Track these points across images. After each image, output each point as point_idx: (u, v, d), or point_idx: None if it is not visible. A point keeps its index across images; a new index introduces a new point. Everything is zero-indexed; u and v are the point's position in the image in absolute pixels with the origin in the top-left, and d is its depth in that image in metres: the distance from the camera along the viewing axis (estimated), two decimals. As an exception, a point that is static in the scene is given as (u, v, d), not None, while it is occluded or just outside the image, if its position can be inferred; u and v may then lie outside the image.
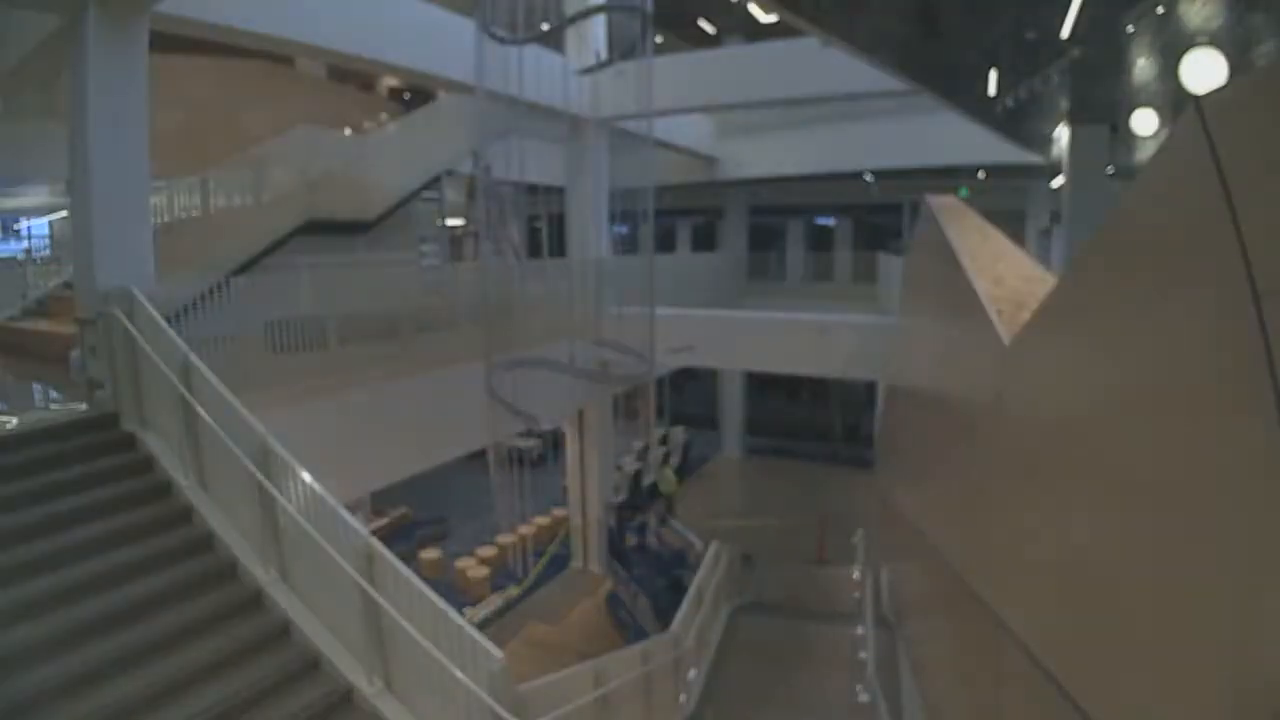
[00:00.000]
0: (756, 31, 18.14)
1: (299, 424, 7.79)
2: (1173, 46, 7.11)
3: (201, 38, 9.36)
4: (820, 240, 27.89)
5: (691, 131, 20.13)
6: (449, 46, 9.68)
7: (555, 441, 17.06)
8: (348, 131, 18.01)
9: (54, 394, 8.65)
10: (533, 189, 9.26)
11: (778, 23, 14.41)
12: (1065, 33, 6.98)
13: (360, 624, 5.49)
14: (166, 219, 12.61)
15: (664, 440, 20.78)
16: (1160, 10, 6.51)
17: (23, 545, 5.74)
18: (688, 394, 27.32)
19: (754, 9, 16.27)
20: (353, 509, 5.95)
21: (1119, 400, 2.45)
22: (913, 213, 19.42)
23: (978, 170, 19.95)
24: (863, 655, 10.15)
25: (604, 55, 8.98)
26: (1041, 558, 3.15)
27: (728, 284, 23.53)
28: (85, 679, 5.04)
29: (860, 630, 11.01)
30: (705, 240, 28.35)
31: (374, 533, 5.78)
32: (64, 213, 15.27)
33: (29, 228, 16.52)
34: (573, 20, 8.83)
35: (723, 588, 12.77)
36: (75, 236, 7.73)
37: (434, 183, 17.42)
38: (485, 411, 8.76)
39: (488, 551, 16.20)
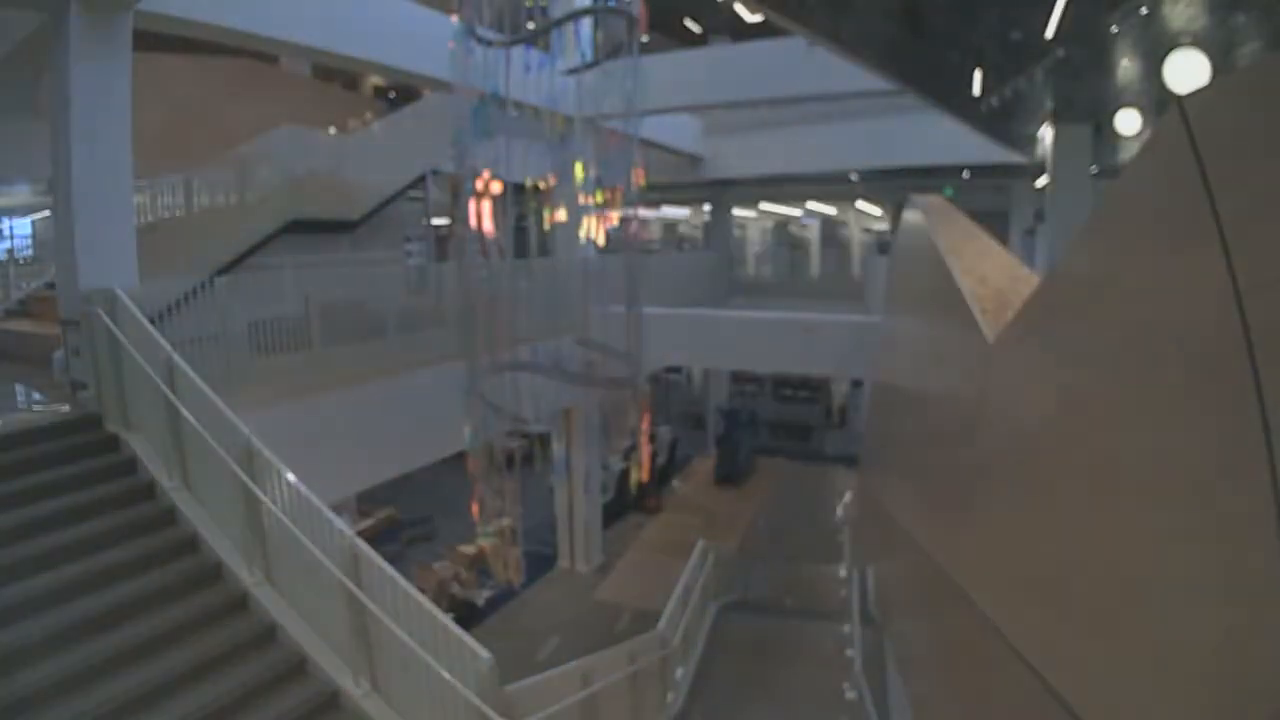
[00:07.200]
0: (743, 31, 18.21)
1: (283, 424, 7.76)
2: (1156, 47, 7.17)
3: (185, 36, 9.30)
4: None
5: (678, 130, 20.14)
6: (433, 45, 9.67)
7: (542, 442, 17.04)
8: (332, 130, 17.92)
9: (37, 395, 8.57)
10: (519, 188, 9.25)
11: (764, 22, 14.46)
12: (1049, 33, 7.02)
13: (346, 625, 5.48)
14: (149, 219, 12.51)
15: (651, 439, 20.80)
16: (1143, 11, 6.56)
17: (5, 548, 5.68)
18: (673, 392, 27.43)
19: (740, 9, 16.31)
20: (338, 510, 5.92)
21: (1103, 398, 2.47)
22: (897, 212, 19.51)
23: (962, 170, 20.05)
24: (849, 653, 10.18)
25: (590, 56, 8.97)
26: (1027, 554, 3.16)
27: (714, 283, 23.57)
28: (72, 682, 5.01)
29: (847, 628, 11.04)
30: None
31: (360, 533, 5.76)
32: (46, 212, 15.15)
33: (10, 227, 16.34)
34: (559, 23, 8.79)
35: (710, 586, 12.79)
36: (57, 236, 7.66)
37: (419, 182, 17.37)
38: (470, 412, 8.75)
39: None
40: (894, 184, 21.26)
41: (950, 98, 9.81)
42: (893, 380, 9.37)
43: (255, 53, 14.38)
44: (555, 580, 16.42)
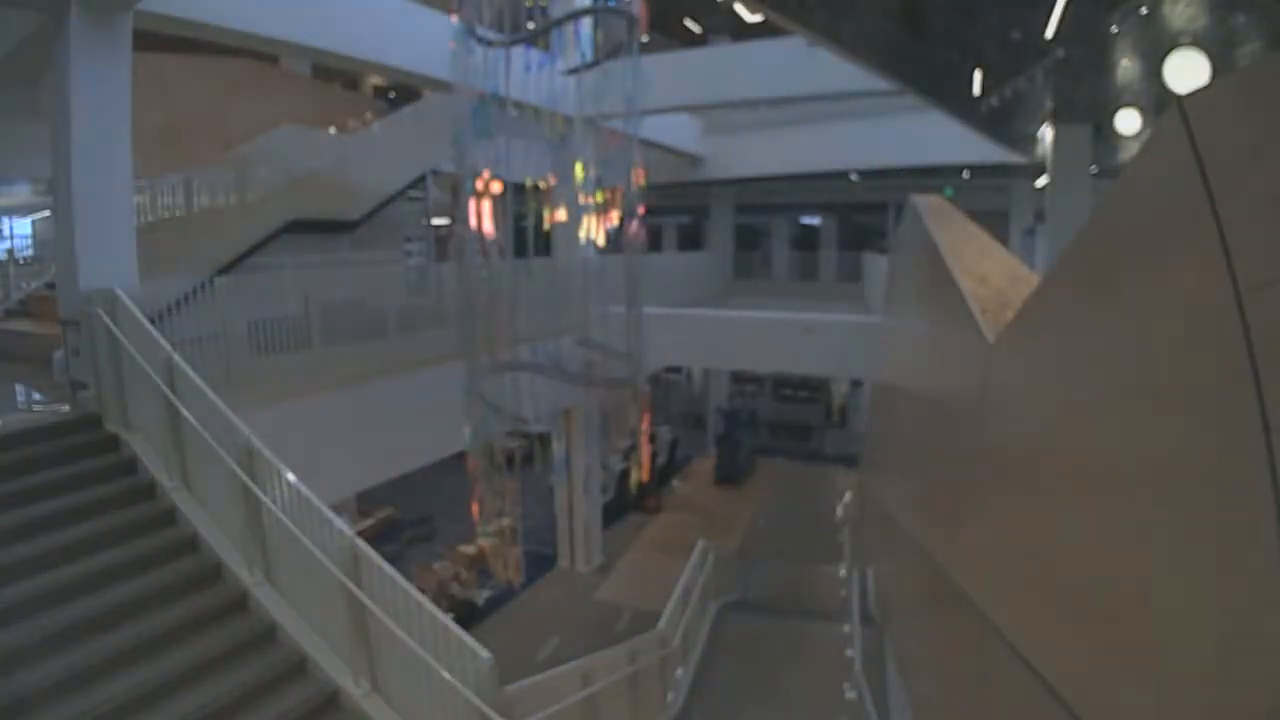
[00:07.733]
0: (743, 31, 18.21)
1: (283, 424, 7.78)
2: (1156, 47, 7.17)
3: (185, 36, 9.30)
4: (806, 239, 27.99)
5: (678, 130, 20.13)
6: (433, 45, 9.69)
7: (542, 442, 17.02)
8: (332, 130, 17.93)
9: (37, 395, 8.58)
10: (519, 188, 9.24)
11: (764, 22, 14.46)
12: (1049, 33, 7.02)
13: (346, 625, 5.48)
14: (149, 219, 12.52)
15: (651, 439, 20.81)
16: (1143, 11, 6.55)
17: (5, 548, 5.68)
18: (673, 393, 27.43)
19: (740, 9, 16.31)
20: (338, 510, 5.92)
21: (1102, 398, 2.46)
22: (897, 212, 19.53)
23: (962, 170, 20.05)
24: (849, 653, 10.17)
25: (590, 56, 8.97)
26: (1027, 555, 3.16)
27: (714, 283, 23.58)
28: (72, 682, 5.01)
29: (847, 628, 11.03)
30: (691, 239, 28.40)
31: (360, 533, 5.76)
32: (46, 212, 15.16)
33: (11, 227, 16.36)
34: (559, 22, 8.79)
35: (710, 586, 12.79)
36: (57, 236, 7.67)
37: (419, 182, 17.39)
38: (470, 412, 8.75)
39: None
40: (894, 184, 21.26)
41: (950, 98, 9.80)
42: (892, 380, 9.36)
43: (255, 53, 14.37)
44: (555, 580, 16.42)
